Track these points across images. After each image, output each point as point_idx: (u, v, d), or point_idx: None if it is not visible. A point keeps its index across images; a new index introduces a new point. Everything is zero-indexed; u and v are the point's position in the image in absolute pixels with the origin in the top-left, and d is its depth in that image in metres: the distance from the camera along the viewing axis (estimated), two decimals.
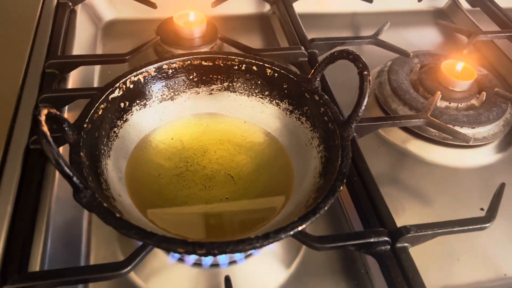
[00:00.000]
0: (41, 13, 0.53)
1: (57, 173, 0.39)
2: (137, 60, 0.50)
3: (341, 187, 0.30)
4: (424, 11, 0.70)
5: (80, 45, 0.53)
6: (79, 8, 0.57)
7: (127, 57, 0.48)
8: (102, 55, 0.52)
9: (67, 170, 0.26)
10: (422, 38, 0.66)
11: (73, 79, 0.48)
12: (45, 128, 0.26)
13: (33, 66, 0.46)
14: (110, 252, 0.37)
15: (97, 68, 0.53)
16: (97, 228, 0.38)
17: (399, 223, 0.37)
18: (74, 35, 0.53)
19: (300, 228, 0.27)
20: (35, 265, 0.33)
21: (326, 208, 0.28)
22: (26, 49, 0.48)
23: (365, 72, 0.32)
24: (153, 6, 0.56)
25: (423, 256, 0.36)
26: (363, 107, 0.33)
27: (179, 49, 0.52)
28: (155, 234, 0.26)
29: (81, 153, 0.30)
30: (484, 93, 0.50)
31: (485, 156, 0.48)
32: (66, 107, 0.45)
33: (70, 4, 0.55)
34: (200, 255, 0.26)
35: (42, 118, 0.26)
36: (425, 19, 0.69)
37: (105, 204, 0.27)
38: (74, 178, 0.27)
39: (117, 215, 0.27)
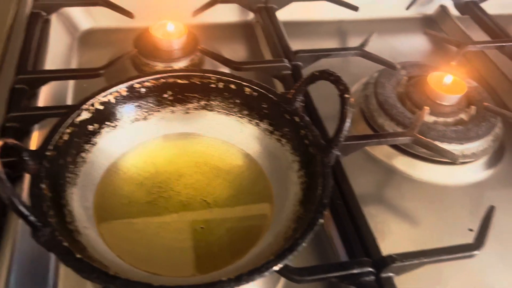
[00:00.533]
0: (12, 25, 0.50)
1: (25, 197, 0.37)
2: (113, 73, 0.48)
3: (321, 220, 0.28)
4: (412, 18, 0.69)
5: (54, 56, 0.51)
6: (53, 17, 0.55)
7: (102, 71, 0.45)
8: (75, 69, 0.50)
9: (23, 210, 0.24)
10: (410, 46, 0.64)
11: (45, 95, 0.46)
12: None
13: (1, 81, 0.44)
14: (80, 284, 0.35)
15: (71, 82, 0.50)
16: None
17: (384, 246, 0.35)
18: (48, 47, 0.51)
19: (276, 268, 0.26)
20: None
21: (304, 244, 0.27)
22: None
23: (346, 95, 0.30)
24: (130, 15, 0.53)
25: (409, 282, 0.35)
26: (344, 132, 0.31)
27: (156, 62, 0.50)
28: (118, 277, 0.24)
29: (42, 185, 0.28)
30: (473, 107, 0.49)
31: (474, 173, 0.47)
32: (36, 125, 0.42)
33: (44, 13, 0.53)
34: None
35: None
36: (413, 26, 0.68)
37: (64, 244, 0.25)
38: (31, 217, 0.25)
39: (78, 255, 0.25)
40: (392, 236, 0.41)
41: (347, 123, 0.31)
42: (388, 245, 0.36)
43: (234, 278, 0.25)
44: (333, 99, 0.51)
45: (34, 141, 0.41)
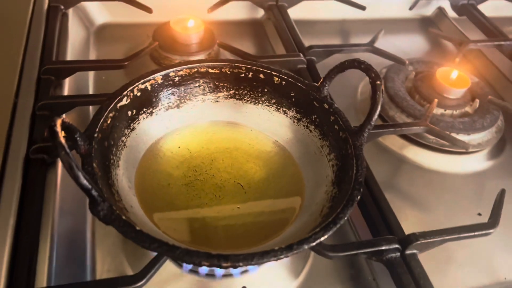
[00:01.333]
0: (32, 17, 0.51)
1: (58, 183, 0.38)
2: (133, 66, 0.49)
3: (359, 196, 0.30)
4: (412, 19, 0.72)
5: (73, 49, 0.52)
6: (70, 11, 0.56)
7: (125, 63, 0.47)
8: (99, 60, 0.51)
9: (86, 183, 0.25)
10: (411, 45, 0.67)
11: (68, 85, 0.47)
12: (62, 140, 0.25)
13: (27, 72, 0.44)
14: (116, 265, 0.36)
15: (91, 73, 0.51)
16: (101, 240, 0.37)
17: (404, 229, 0.37)
18: (67, 40, 0.52)
19: (322, 238, 0.27)
20: (42, 281, 0.31)
21: (346, 218, 0.29)
22: (19, 55, 0.46)
23: (378, 82, 0.33)
24: (149, 10, 0.55)
25: (427, 262, 0.37)
26: (375, 116, 0.33)
27: (176, 55, 0.51)
28: (178, 247, 0.26)
29: (94, 164, 0.29)
30: (477, 101, 0.52)
31: (479, 162, 0.50)
32: (64, 114, 0.43)
33: (62, 7, 0.54)
34: (225, 267, 0.26)
35: (58, 129, 0.26)
36: (414, 27, 0.71)
37: (124, 217, 0.27)
38: (93, 191, 0.26)
39: (137, 227, 0.26)
40: (407, 221, 0.43)
41: (378, 108, 0.33)
42: (405, 228, 0.38)
43: (285, 247, 0.26)
44: (343, 94, 0.54)
45: None
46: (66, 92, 0.46)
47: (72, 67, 0.45)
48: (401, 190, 0.46)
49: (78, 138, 0.29)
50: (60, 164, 0.39)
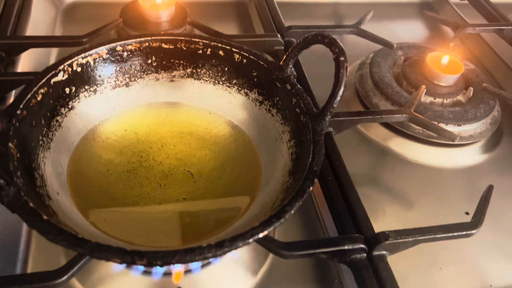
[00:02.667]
0: None
1: None
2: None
3: (311, 188, 0.26)
4: (409, 3, 0.67)
5: (36, 26, 0.49)
6: None
7: (85, 39, 0.43)
8: (56, 36, 0.47)
9: None
10: (407, 30, 0.63)
11: (24, 63, 0.44)
12: None
13: None
14: (52, 256, 0.32)
15: (53, 52, 0.48)
16: None
17: (378, 228, 0.33)
18: (30, 15, 0.48)
19: (261, 235, 0.24)
20: None
21: (292, 212, 0.25)
22: None
23: (342, 58, 0.28)
24: None
25: (401, 264, 0.33)
26: (338, 97, 0.29)
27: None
28: (87, 241, 0.22)
29: (10, 144, 0.26)
30: (471, 89, 0.47)
31: (471, 156, 0.45)
32: (13, 93, 0.40)
33: None
34: (141, 265, 0.22)
35: None
36: (410, 11, 0.66)
37: (31, 204, 0.23)
38: None
39: (45, 217, 0.23)
40: (385, 218, 0.39)
41: (342, 89, 0.29)
42: (381, 227, 0.34)
43: (215, 244, 0.23)
44: (328, 80, 0.50)
45: None
46: (20, 70, 0.43)
47: (25, 42, 0.42)
48: (382, 184, 0.42)
49: None
50: None
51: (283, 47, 0.48)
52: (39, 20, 0.50)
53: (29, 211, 0.23)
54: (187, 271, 0.30)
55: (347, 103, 0.49)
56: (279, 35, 0.48)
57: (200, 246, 0.22)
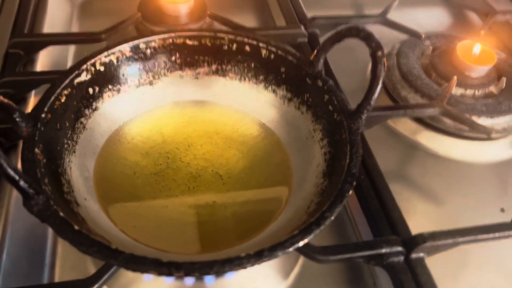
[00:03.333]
0: None
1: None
2: (115, 40, 0.44)
3: (350, 192, 0.25)
4: None
5: (53, 23, 0.48)
6: None
7: (103, 35, 0.42)
8: (75, 33, 0.46)
9: (12, 174, 0.21)
10: (431, 19, 0.60)
11: (43, 61, 0.43)
12: None
13: None
14: (80, 261, 0.32)
15: (71, 49, 0.47)
16: None
17: (411, 227, 0.32)
18: (46, 12, 0.47)
19: (301, 243, 0.22)
20: None
21: (332, 218, 0.23)
22: None
23: (379, 53, 0.27)
24: None
25: (437, 265, 0.32)
26: (376, 95, 0.27)
27: (162, 28, 0.46)
28: (121, 252, 0.21)
29: (36, 150, 0.25)
30: (504, 79, 0.45)
31: (504, 150, 0.43)
32: (33, 93, 0.39)
33: None
34: (178, 277, 0.21)
35: None
36: None
37: (61, 214, 0.22)
38: (21, 182, 0.22)
39: (76, 227, 0.22)
40: (417, 216, 0.38)
41: (379, 85, 0.27)
42: (414, 225, 0.33)
43: (254, 254, 0.22)
44: (352, 72, 0.49)
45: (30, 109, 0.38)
46: (39, 68, 0.42)
47: (43, 40, 0.41)
48: (412, 181, 0.41)
49: (17, 119, 0.25)
50: (20, 148, 0.35)
51: (306, 39, 0.46)
52: (56, 16, 0.49)
53: (60, 221, 0.22)
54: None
55: None
56: (302, 27, 0.46)
57: (238, 256, 0.21)
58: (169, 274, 0.21)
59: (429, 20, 0.59)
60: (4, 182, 0.32)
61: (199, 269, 0.21)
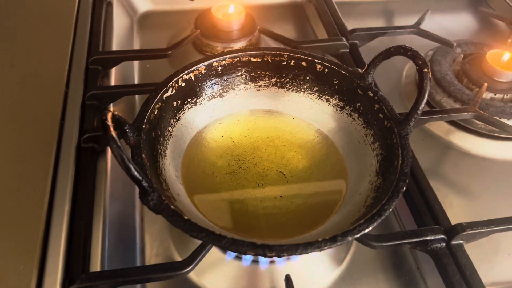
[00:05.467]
0: (78, 9, 0.53)
1: (109, 170, 0.39)
2: (176, 54, 0.50)
3: (404, 188, 0.30)
4: None
5: (118, 39, 0.53)
6: (114, 1, 0.57)
7: (169, 52, 0.47)
8: (144, 50, 0.52)
9: (137, 174, 0.26)
10: (460, 26, 0.65)
11: (115, 75, 0.48)
12: (113, 133, 0.26)
13: (76, 62, 0.46)
14: (164, 249, 0.37)
15: (136, 62, 0.53)
16: (149, 225, 0.39)
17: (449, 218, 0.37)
18: (112, 29, 0.53)
19: (366, 230, 0.27)
20: (96, 265, 0.33)
21: (391, 209, 0.28)
22: (68, 46, 0.48)
23: (425, 70, 0.32)
24: None
25: (472, 252, 0.36)
26: (422, 105, 0.32)
27: (217, 42, 0.52)
28: (224, 236, 0.26)
29: (143, 155, 0.30)
30: None
31: None
32: (111, 104, 0.45)
33: None
34: (269, 257, 0.26)
35: (109, 122, 0.27)
36: (462, 5, 0.68)
37: (172, 207, 0.28)
38: (143, 182, 0.27)
39: (186, 217, 0.27)
40: (454, 209, 0.42)
41: (425, 97, 0.32)
42: (451, 218, 0.38)
43: (329, 238, 0.27)
44: (383, 79, 0.53)
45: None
46: (113, 81, 0.48)
47: (118, 57, 0.46)
48: (447, 178, 0.45)
49: (127, 130, 0.31)
50: (109, 152, 0.40)
51: (348, 50, 0.51)
52: (120, 32, 0.54)
53: (172, 213, 0.27)
54: (287, 259, 0.35)
55: (409, 99, 0.52)
56: (344, 39, 0.51)
57: (317, 240, 0.26)
58: (263, 254, 0.26)
59: (459, 27, 0.63)
60: (99, 183, 0.38)
61: (287, 250, 0.26)
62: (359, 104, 0.37)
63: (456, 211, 0.42)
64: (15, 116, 0.40)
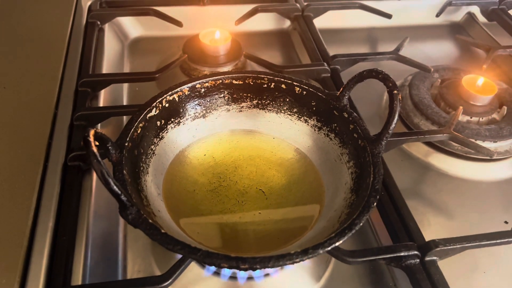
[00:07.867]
0: (71, 33, 0.55)
1: (94, 188, 0.40)
2: (164, 78, 0.52)
3: (375, 203, 0.31)
4: (440, 25, 0.72)
5: (109, 62, 0.55)
6: (106, 26, 0.59)
7: (157, 75, 0.49)
8: (132, 73, 0.54)
9: (116, 189, 0.28)
10: (439, 52, 0.67)
11: (104, 96, 0.50)
12: (95, 149, 0.27)
13: (66, 84, 0.48)
14: (145, 265, 0.38)
15: (125, 85, 0.54)
16: (132, 242, 0.39)
17: (425, 237, 0.38)
18: (103, 53, 0.55)
19: (337, 243, 0.28)
20: (77, 279, 0.34)
21: (361, 224, 0.30)
22: (59, 68, 0.49)
23: (395, 91, 0.33)
24: (179, 24, 0.57)
25: (448, 269, 0.37)
26: (393, 125, 0.34)
27: (204, 66, 0.53)
28: (199, 249, 0.27)
29: (124, 171, 0.32)
30: (505, 107, 0.51)
31: (507, 169, 0.49)
32: (99, 124, 0.46)
33: (99, 23, 0.57)
34: (242, 269, 0.27)
35: (91, 139, 0.28)
36: (442, 33, 0.70)
37: (150, 221, 0.29)
38: (122, 196, 0.28)
39: (163, 231, 0.28)
40: (430, 228, 0.43)
41: (396, 117, 0.34)
42: (427, 235, 0.39)
43: (301, 251, 0.28)
44: (367, 101, 0.55)
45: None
46: (101, 102, 0.49)
47: (107, 79, 0.48)
48: (426, 197, 0.46)
49: (110, 147, 0.32)
50: (94, 172, 0.41)
51: (329, 74, 0.53)
52: (111, 57, 0.56)
53: (150, 226, 0.28)
54: (266, 275, 0.36)
55: None
56: (325, 64, 0.53)
57: (289, 253, 0.27)
58: (236, 266, 0.27)
59: (438, 54, 0.66)
60: (83, 200, 0.39)
61: (260, 263, 0.27)
62: (335, 124, 0.38)
63: (434, 229, 0.43)
64: (4, 135, 0.41)
